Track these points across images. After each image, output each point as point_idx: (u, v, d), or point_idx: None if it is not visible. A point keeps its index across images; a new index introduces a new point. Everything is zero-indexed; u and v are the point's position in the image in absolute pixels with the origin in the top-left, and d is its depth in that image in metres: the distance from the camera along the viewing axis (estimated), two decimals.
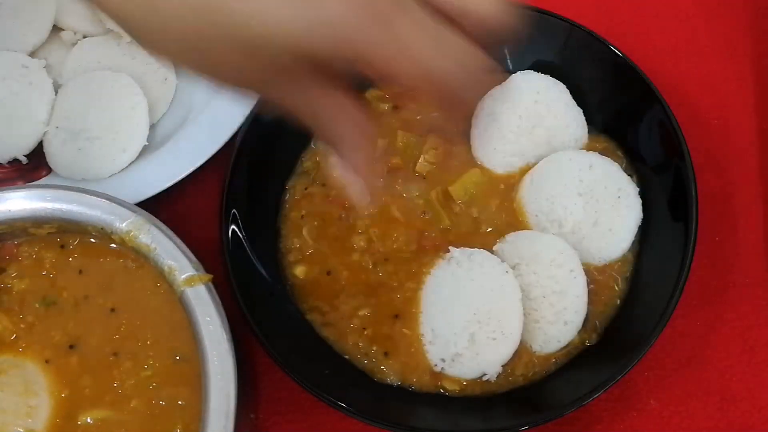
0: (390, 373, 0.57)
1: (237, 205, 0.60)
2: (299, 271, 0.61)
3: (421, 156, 0.63)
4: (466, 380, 0.56)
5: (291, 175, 0.65)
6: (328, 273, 0.61)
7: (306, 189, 0.64)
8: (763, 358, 0.59)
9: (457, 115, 0.40)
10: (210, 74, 0.37)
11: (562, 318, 0.56)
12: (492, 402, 0.55)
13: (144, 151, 0.66)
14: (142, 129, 0.65)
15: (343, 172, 0.41)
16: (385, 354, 0.58)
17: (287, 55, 0.35)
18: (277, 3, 0.33)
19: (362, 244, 0.61)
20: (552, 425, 0.55)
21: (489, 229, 0.61)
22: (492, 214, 0.62)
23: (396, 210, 0.62)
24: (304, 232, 0.63)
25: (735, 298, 0.61)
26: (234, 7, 0.33)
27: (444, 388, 0.56)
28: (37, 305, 0.52)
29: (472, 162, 0.64)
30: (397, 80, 0.36)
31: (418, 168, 0.63)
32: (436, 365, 0.56)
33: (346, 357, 0.58)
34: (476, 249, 0.58)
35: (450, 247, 0.58)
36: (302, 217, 0.63)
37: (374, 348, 0.58)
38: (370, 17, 0.34)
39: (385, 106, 0.67)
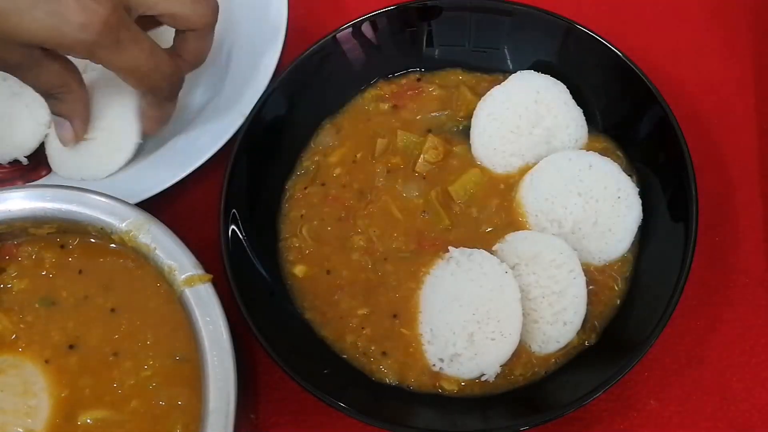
0: (388, 372, 0.57)
1: (237, 205, 0.60)
2: (298, 270, 0.61)
3: (421, 156, 0.63)
4: (464, 380, 0.56)
5: (291, 175, 0.65)
6: (328, 272, 0.61)
7: (306, 189, 0.64)
8: (763, 358, 0.59)
9: (160, 96, 0.59)
10: None
11: (561, 318, 0.56)
12: (491, 402, 0.55)
13: (144, 151, 0.66)
14: (134, 126, 0.64)
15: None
16: (384, 353, 0.58)
17: (28, 47, 0.50)
18: (27, 5, 0.47)
19: (362, 243, 0.61)
20: (552, 425, 0.55)
21: (489, 229, 0.61)
22: (492, 214, 0.62)
23: (396, 210, 0.62)
24: (304, 231, 0.63)
25: (735, 298, 0.61)
26: None
27: (442, 388, 0.56)
28: (36, 305, 0.52)
29: (471, 162, 0.64)
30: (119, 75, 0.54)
31: (417, 168, 0.63)
32: (434, 365, 0.56)
33: (345, 356, 0.58)
34: (476, 249, 0.58)
35: (449, 247, 0.58)
36: (302, 216, 0.63)
37: (372, 347, 0.58)
38: (104, 30, 0.49)
39: (385, 106, 0.67)
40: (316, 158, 0.65)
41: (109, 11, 0.48)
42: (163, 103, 0.59)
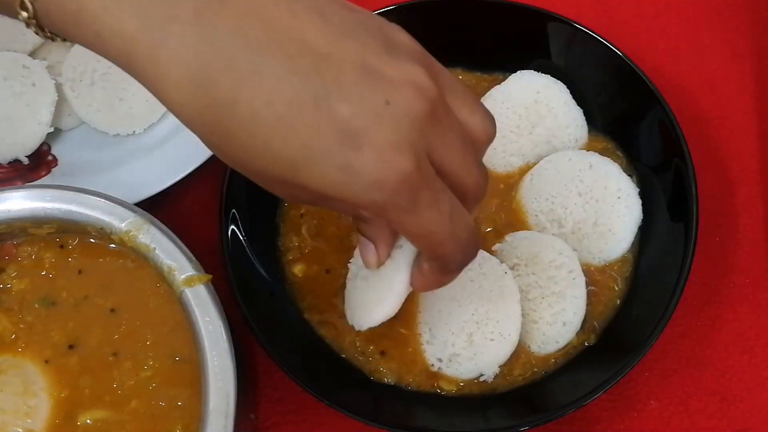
0: (387, 372, 0.57)
1: (237, 205, 0.60)
2: (298, 269, 0.61)
3: None
4: (463, 380, 0.56)
5: None
6: (327, 271, 0.61)
7: None
8: (763, 358, 0.59)
9: (447, 266, 0.44)
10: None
11: (560, 319, 0.56)
12: (490, 402, 0.55)
13: (144, 151, 0.66)
14: (404, 277, 0.52)
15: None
16: (382, 353, 0.57)
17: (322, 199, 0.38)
18: (320, 156, 0.35)
19: None
20: (552, 426, 0.55)
21: (489, 229, 0.61)
22: (492, 214, 0.62)
23: None
24: (303, 230, 0.62)
25: (735, 298, 0.61)
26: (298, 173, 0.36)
27: (441, 388, 0.56)
28: (36, 305, 0.52)
29: None
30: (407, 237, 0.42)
31: None
32: (432, 365, 0.56)
33: (344, 356, 0.58)
34: None
35: None
36: (301, 215, 0.63)
37: (371, 347, 0.58)
38: (401, 189, 0.36)
39: None
40: None
41: (412, 166, 0.36)
42: (446, 270, 0.44)
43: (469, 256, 0.43)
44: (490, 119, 0.41)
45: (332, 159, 0.35)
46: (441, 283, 0.46)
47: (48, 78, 0.67)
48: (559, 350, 0.56)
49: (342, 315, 0.59)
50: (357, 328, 0.52)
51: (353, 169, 0.35)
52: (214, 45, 0.35)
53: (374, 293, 0.51)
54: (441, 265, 0.43)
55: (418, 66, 0.37)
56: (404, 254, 0.47)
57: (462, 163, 0.39)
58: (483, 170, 0.41)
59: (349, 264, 0.55)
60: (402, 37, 0.39)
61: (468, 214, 0.41)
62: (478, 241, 0.43)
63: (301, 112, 0.34)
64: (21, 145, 0.66)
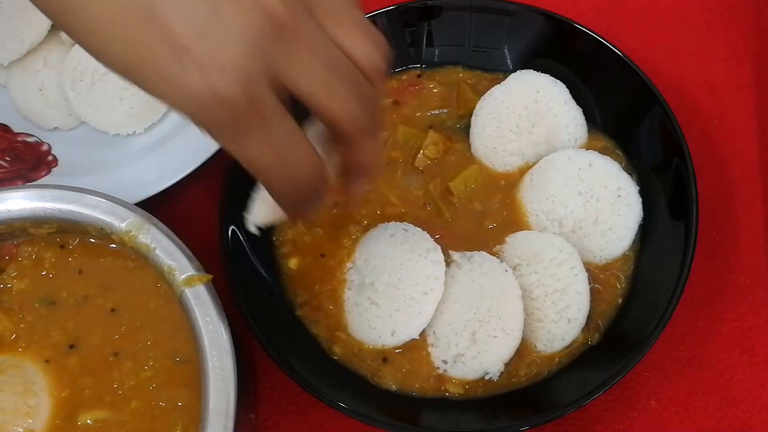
0: (391, 381, 0.57)
1: (236, 205, 0.60)
2: (293, 263, 0.61)
3: (421, 151, 0.63)
4: (468, 382, 0.56)
5: None
6: (322, 255, 0.61)
7: None
8: (763, 358, 0.59)
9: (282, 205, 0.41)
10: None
11: (565, 316, 0.56)
12: (493, 402, 0.55)
13: (144, 151, 0.66)
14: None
15: None
16: (384, 360, 0.57)
17: None
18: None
19: (359, 235, 0.61)
20: (552, 425, 0.55)
21: (491, 226, 0.61)
22: (494, 211, 0.62)
23: (394, 198, 0.62)
24: (300, 222, 0.62)
25: (735, 298, 0.61)
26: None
27: (448, 391, 0.56)
28: (36, 305, 0.52)
29: (471, 160, 0.64)
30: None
31: (416, 162, 0.63)
32: (438, 367, 0.56)
33: (347, 364, 0.58)
34: (476, 251, 0.58)
35: (449, 251, 0.58)
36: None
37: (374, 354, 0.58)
38: (224, 111, 0.34)
39: (386, 101, 0.67)
40: None
41: (236, 90, 0.34)
42: (283, 207, 0.42)
43: (305, 196, 0.39)
44: (373, 44, 0.38)
45: (158, 69, 0.34)
46: (290, 219, 0.44)
47: None
48: (565, 348, 0.56)
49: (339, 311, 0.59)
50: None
51: (178, 84, 0.34)
52: None
53: None
54: (277, 201, 0.40)
55: None
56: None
57: (323, 89, 0.36)
58: (360, 99, 0.37)
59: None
60: None
61: (310, 156, 0.38)
62: (320, 180, 0.39)
63: (133, 19, 0.34)
64: None
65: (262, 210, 0.46)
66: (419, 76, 0.68)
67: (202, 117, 0.35)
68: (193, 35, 0.33)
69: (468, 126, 0.64)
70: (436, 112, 0.66)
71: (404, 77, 0.68)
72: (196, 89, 0.34)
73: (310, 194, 0.39)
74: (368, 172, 0.44)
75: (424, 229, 0.59)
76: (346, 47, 0.37)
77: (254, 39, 0.34)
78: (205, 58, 0.33)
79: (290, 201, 0.40)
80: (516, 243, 0.59)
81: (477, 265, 0.57)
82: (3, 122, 0.70)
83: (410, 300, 0.56)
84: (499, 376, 0.56)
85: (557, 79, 0.64)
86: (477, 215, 0.61)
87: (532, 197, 0.61)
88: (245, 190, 0.61)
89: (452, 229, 0.61)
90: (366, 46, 0.38)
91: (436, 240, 0.59)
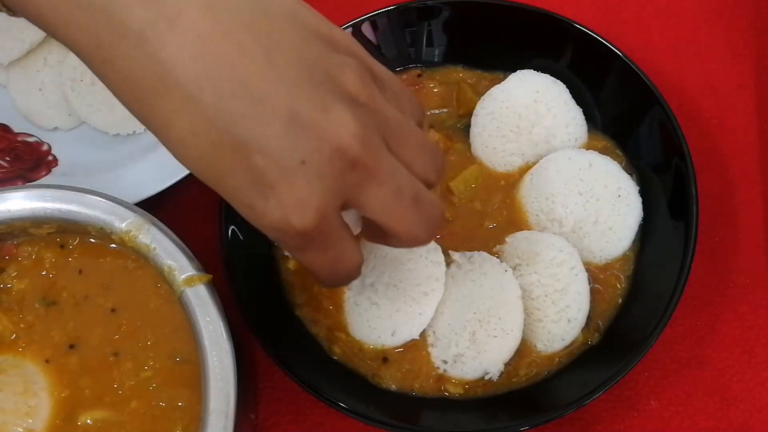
0: (391, 381, 0.57)
1: None
2: (292, 263, 0.61)
3: None
4: (468, 382, 0.56)
5: None
6: None
7: None
8: (763, 358, 0.59)
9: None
10: None
11: (565, 316, 0.56)
12: (493, 402, 0.55)
13: (144, 151, 0.66)
14: None
15: None
16: (384, 360, 0.57)
17: None
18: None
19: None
20: (552, 425, 0.55)
21: (492, 226, 0.61)
22: (495, 210, 0.62)
23: None
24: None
25: (735, 298, 0.61)
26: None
27: (448, 392, 0.56)
28: (37, 305, 0.52)
29: (471, 159, 0.64)
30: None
31: None
32: (438, 367, 0.56)
33: (346, 363, 0.58)
34: (475, 252, 0.58)
35: (449, 251, 0.58)
36: None
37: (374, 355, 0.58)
38: (296, 238, 0.39)
39: None
40: None
41: (313, 224, 0.38)
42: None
43: (342, 283, 0.44)
44: (432, 163, 0.42)
45: (242, 198, 0.38)
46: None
47: None
48: (565, 348, 0.56)
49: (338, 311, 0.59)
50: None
51: (258, 212, 0.38)
52: (160, 62, 0.36)
53: None
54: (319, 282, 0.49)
55: (350, 115, 0.37)
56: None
57: (389, 215, 0.40)
58: (420, 214, 0.41)
59: None
60: (349, 74, 0.38)
61: (355, 255, 0.42)
62: (357, 272, 0.44)
63: (221, 152, 0.37)
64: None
65: None
66: (419, 75, 0.68)
67: (275, 237, 0.40)
68: (276, 174, 0.36)
69: (468, 126, 0.64)
70: (437, 111, 0.66)
71: (404, 77, 0.68)
72: (276, 222, 0.37)
73: (346, 281, 0.44)
74: None
75: None
76: (407, 163, 0.41)
77: (333, 177, 0.37)
78: (286, 194, 0.37)
79: (329, 285, 0.44)
80: (516, 243, 0.59)
81: (477, 265, 0.57)
82: (3, 122, 0.70)
83: (411, 300, 0.56)
84: (499, 376, 0.56)
85: (557, 79, 0.64)
86: (477, 215, 0.61)
87: (532, 197, 0.61)
88: None
89: (453, 229, 0.61)
90: (423, 164, 0.42)
91: (437, 240, 0.59)
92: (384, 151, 0.39)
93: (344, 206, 0.39)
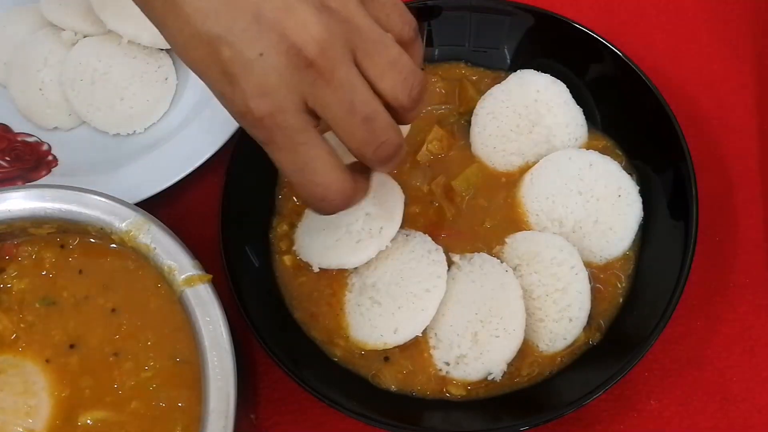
0: (391, 382, 0.57)
1: (237, 204, 0.60)
2: (287, 258, 0.61)
3: (425, 145, 0.63)
4: (471, 383, 0.56)
5: None
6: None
7: None
8: (763, 358, 0.59)
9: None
10: None
11: (566, 315, 0.56)
12: (494, 402, 0.55)
13: (144, 151, 0.66)
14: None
15: None
16: (386, 359, 0.57)
17: None
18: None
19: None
20: (552, 425, 0.55)
21: (491, 226, 0.61)
22: (496, 210, 0.62)
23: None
24: (296, 218, 0.62)
25: (735, 298, 0.61)
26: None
27: (449, 392, 0.56)
28: (37, 305, 0.52)
29: (472, 158, 0.64)
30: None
31: (419, 157, 0.63)
32: (440, 369, 0.56)
33: (347, 366, 0.58)
34: (476, 253, 0.58)
35: (450, 254, 0.58)
36: (298, 203, 0.63)
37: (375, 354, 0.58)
38: (258, 126, 0.42)
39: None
40: None
41: (267, 112, 0.41)
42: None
43: (330, 206, 0.46)
44: (402, 83, 0.43)
45: (216, 87, 0.42)
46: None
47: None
48: (567, 348, 0.56)
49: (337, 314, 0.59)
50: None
51: (228, 99, 0.42)
52: None
53: None
54: (303, 204, 0.53)
55: (314, 18, 0.40)
56: None
57: (341, 128, 0.42)
58: (372, 135, 0.42)
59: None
60: None
61: (334, 173, 0.43)
62: (342, 196, 0.45)
63: (197, 45, 0.41)
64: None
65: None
66: (422, 69, 0.67)
67: (244, 126, 0.43)
68: (238, 65, 0.40)
69: (469, 124, 0.64)
70: (439, 107, 0.66)
71: None
72: (240, 107, 0.42)
73: (326, 205, 0.45)
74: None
75: (428, 228, 0.60)
76: (372, 81, 0.42)
77: (287, 73, 0.40)
78: (246, 83, 0.41)
79: (310, 205, 0.46)
80: (516, 243, 0.59)
81: (477, 266, 0.57)
82: (3, 122, 0.70)
83: (413, 297, 0.56)
84: (502, 377, 0.56)
85: (557, 79, 0.64)
86: (479, 214, 0.61)
87: (532, 197, 0.61)
88: (245, 191, 0.62)
89: (455, 228, 0.61)
90: (392, 83, 0.42)
91: (441, 240, 0.59)
92: (344, 60, 0.41)
93: (307, 108, 0.41)
